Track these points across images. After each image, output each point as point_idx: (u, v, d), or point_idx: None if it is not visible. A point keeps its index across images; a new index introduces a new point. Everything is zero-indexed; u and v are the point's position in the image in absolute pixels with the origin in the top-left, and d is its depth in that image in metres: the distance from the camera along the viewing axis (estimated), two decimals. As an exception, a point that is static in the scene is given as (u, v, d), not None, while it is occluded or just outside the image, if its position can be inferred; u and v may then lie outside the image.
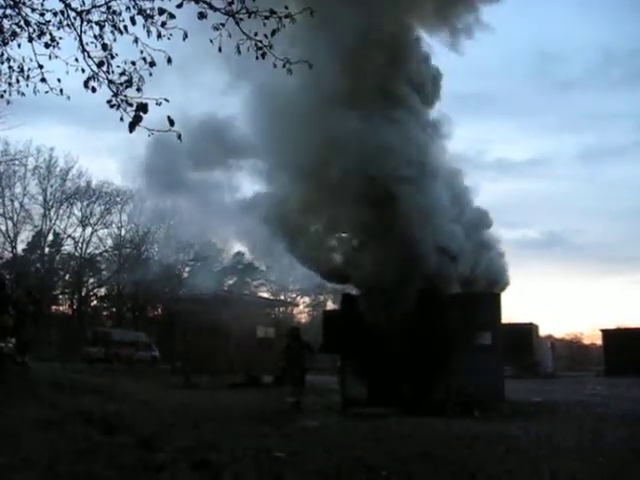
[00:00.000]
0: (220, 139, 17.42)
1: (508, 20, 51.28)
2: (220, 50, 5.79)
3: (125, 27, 5.86)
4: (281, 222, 17.22)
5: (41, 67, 6.42)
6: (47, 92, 6.48)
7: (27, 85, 6.67)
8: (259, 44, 5.88)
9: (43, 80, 6.40)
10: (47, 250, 52.91)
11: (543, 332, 46.07)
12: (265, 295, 53.27)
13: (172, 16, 5.65)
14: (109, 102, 5.80)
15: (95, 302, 58.28)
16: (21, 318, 18.68)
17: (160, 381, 25.79)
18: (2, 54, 6.62)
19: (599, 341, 46.51)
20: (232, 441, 9.64)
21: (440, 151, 18.02)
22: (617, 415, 14.19)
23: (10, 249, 49.95)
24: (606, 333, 41.40)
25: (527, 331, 37.51)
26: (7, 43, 6.51)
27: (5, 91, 6.93)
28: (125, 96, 5.71)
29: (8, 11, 6.38)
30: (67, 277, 54.87)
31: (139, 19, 5.76)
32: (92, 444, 8.87)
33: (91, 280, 56.17)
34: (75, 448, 8.47)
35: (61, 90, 6.39)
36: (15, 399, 13.03)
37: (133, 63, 5.75)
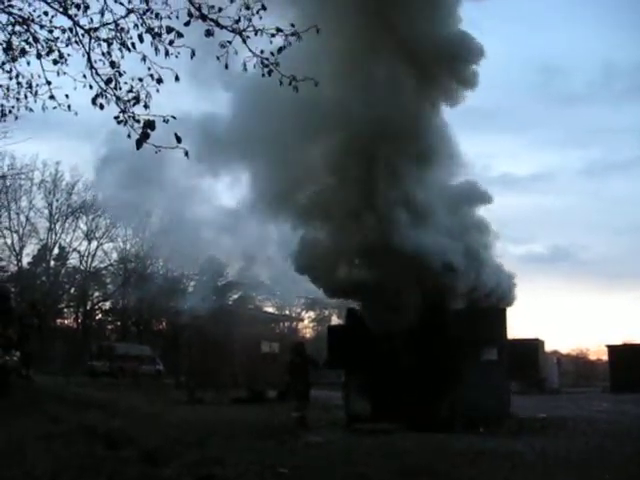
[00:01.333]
0: (213, 139, 17.25)
1: (511, 34, 51.61)
2: (227, 67, 5.85)
3: (133, 44, 5.92)
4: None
5: (49, 83, 6.50)
6: (55, 108, 6.55)
7: (35, 101, 6.74)
8: (265, 61, 5.93)
9: (51, 97, 6.47)
10: (52, 263, 52.96)
11: (549, 347, 45.89)
12: (270, 310, 53.21)
13: (180, 35, 5.71)
14: (116, 118, 5.85)
15: (100, 316, 58.31)
16: (25, 331, 18.70)
17: (164, 395, 25.75)
18: (11, 70, 6.69)
19: (605, 357, 46.22)
20: (236, 456, 9.61)
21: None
22: (623, 432, 14.11)
23: (16, 262, 50.06)
24: (612, 349, 41.16)
25: (533, 347, 37.34)
26: (16, 59, 6.58)
27: (13, 107, 7.01)
28: (132, 113, 5.76)
29: (17, 28, 6.46)
30: (72, 291, 54.87)
31: (147, 37, 5.83)
32: (96, 458, 8.86)
33: (96, 294, 56.23)
34: (79, 462, 8.46)
35: (69, 106, 6.45)
36: (19, 413, 13.02)
37: (140, 80, 5.81)
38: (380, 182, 16.09)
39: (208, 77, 15.30)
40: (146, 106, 5.76)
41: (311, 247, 17.21)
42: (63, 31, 6.23)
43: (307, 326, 66.36)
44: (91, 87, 6.03)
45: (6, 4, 6.33)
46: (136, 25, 5.90)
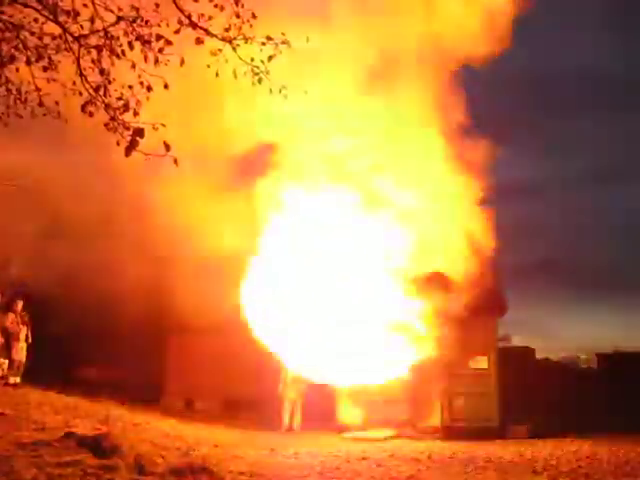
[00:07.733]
0: None
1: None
2: (217, 75, 5.85)
3: (123, 52, 5.91)
4: None
5: (39, 90, 6.47)
6: (45, 115, 6.52)
7: (25, 108, 6.71)
8: (256, 69, 5.94)
9: (40, 104, 6.45)
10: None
11: (539, 355, 45.87)
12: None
13: (169, 42, 5.71)
14: (106, 125, 5.83)
15: (89, 322, 58.06)
16: (12, 339, 18.53)
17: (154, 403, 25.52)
18: (0, 77, 6.66)
19: (595, 365, 46.22)
20: (225, 464, 9.56)
21: None
22: (613, 440, 14.14)
23: (5, 269, 49.85)
24: (601, 357, 41.16)
25: (523, 355, 37.32)
26: (5, 66, 6.56)
27: (3, 114, 6.98)
28: (122, 120, 5.74)
29: (7, 34, 6.43)
30: (62, 297, 54.66)
31: (137, 44, 5.82)
32: (84, 467, 8.77)
33: (86, 300, 55.97)
34: (66, 471, 8.38)
35: (58, 113, 6.43)
36: (6, 420, 12.90)
37: (130, 88, 5.79)
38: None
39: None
40: (136, 113, 5.75)
41: None
42: (53, 38, 6.21)
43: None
44: (81, 94, 6.02)
45: (-5, 11, 6.31)
46: (126, 33, 5.90)
